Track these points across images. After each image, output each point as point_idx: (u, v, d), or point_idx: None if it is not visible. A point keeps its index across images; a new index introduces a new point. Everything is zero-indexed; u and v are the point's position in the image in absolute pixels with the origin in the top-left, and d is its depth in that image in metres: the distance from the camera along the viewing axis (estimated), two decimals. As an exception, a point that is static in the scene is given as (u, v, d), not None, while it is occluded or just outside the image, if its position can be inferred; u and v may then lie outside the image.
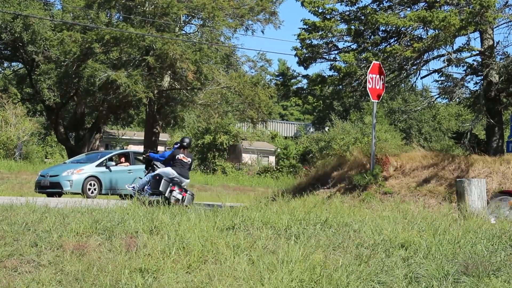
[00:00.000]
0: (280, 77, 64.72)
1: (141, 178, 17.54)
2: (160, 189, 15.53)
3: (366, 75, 18.81)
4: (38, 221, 8.39)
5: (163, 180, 15.68)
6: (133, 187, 17.10)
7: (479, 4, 18.15)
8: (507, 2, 20.54)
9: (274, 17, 37.86)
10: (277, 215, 8.64)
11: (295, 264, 6.35)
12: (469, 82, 24.09)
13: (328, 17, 21.95)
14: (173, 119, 43.33)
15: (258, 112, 36.39)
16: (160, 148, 47.09)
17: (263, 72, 38.91)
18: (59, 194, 22.54)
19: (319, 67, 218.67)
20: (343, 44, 22.71)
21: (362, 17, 21.26)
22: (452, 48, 20.85)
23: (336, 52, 22.70)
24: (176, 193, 15.29)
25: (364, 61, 20.65)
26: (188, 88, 36.20)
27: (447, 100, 24.00)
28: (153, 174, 16.28)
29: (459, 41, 36.39)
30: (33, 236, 7.68)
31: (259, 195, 20.75)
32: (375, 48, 21.47)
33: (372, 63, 18.58)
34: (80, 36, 33.36)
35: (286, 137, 60.25)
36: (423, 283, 6.05)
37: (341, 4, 21.86)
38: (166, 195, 15.63)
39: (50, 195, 22.50)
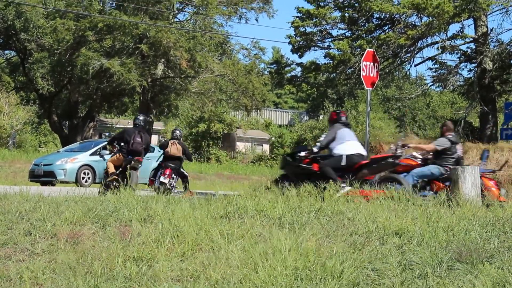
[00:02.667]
0: (274, 65, 64.62)
1: None
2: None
3: (360, 63, 18.78)
4: (32, 210, 8.38)
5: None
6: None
7: (473, -9, 18.19)
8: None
9: (268, 5, 37.87)
10: (271, 204, 8.65)
11: (289, 252, 6.36)
12: (463, 69, 24.17)
13: (322, 4, 21.97)
14: (167, 108, 43.34)
15: (252, 100, 36.44)
16: (154, 137, 47.08)
17: (257, 60, 38.94)
18: (53, 183, 22.51)
19: (313, 55, 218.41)
20: (337, 31, 22.74)
21: (356, 5, 21.27)
22: (446, 35, 20.89)
23: (330, 39, 22.73)
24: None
25: (358, 49, 20.67)
26: (182, 76, 36.19)
27: (441, 87, 24.08)
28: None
29: (453, 28, 36.51)
30: (27, 225, 7.67)
31: (253, 183, 20.73)
32: (369, 36, 21.48)
33: (366, 51, 18.55)
34: (73, 24, 33.29)
35: (280, 125, 60.27)
36: (417, 270, 6.06)
37: (335, -8, 21.88)
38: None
39: (43, 184, 22.47)
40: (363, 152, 11.58)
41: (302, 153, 11.64)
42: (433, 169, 12.02)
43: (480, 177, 11.13)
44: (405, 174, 12.04)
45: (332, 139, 11.42)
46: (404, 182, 10.99)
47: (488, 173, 12.22)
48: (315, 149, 11.63)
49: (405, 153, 12.63)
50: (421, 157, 12.51)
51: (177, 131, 17.91)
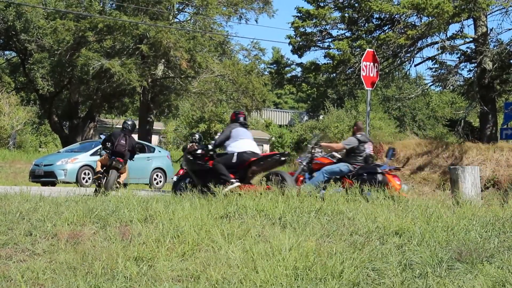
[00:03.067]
0: (274, 65, 64.60)
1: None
2: None
3: (360, 63, 18.81)
4: (33, 210, 8.39)
5: None
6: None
7: (473, -9, 18.19)
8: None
9: (268, 6, 37.85)
10: (271, 203, 8.66)
11: (289, 252, 6.37)
12: (462, 69, 24.18)
13: (322, 5, 21.99)
14: (167, 108, 43.34)
15: (252, 100, 36.43)
16: (155, 137, 47.09)
17: (257, 61, 38.93)
18: (53, 184, 22.52)
19: (313, 55, 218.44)
20: (337, 32, 22.77)
21: (356, 5, 21.29)
22: (446, 35, 20.90)
23: (330, 40, 22.75)
24: None
25: (358, 49, 20.69)
26: (182, 76, 36.18)
27: (441, 87, 24.09)
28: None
29: (453, 28, 36.48)
30: (27, 225, 7.68)
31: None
32: (369, 36, 21.51)
33: (366, 51, 18.58)
34: (73, 25, 33.27)
35: (280, 125, 60.26)
36: (417, 270, 6.07)
37: (334, -8, 21.90)
38: None
39: (44, 184, 22.48)
40: (256, 150, 12.00)
41: (199, 151, 12.09)
42: (342, 166, 12.68)
43: (384, 173, 12.14)
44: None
45: (226, 137, 11.93)
46: (288, 178, 11.34)
47: (392, 170, 12.73)
48: (210, 147, 12.18)
49: (325, 152, 13.60)
50: (339, 156, 13.20)
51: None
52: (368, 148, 13.08)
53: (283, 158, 11.97)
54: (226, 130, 12.20)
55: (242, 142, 11.81)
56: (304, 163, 13.29)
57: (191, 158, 12.25)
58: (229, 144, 11.88)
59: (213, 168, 11.70)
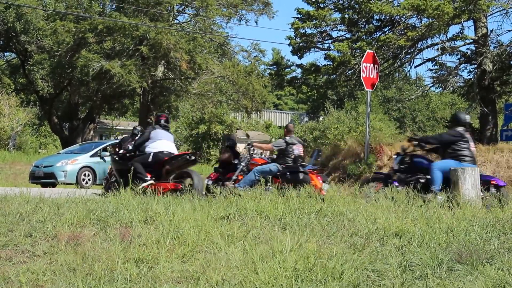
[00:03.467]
0: (274, 66, 64.62)
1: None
2: None
3: (360, 64, 18.83)
4: (33, 212, 8.39)
5: None
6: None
7: (473, -8, 18.19)
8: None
9: (268, 7, 37.88)
10: (271, 205, 8.66)
11: (289, 253, 6.36)
12: (463, 70, 24.15)
13: (322, 6, 21.98)
14: (167, 109, 43.38)
15: (252, 102, 36.46)
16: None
17: (257, 62, 38.95)
18: (53, 185, 22.52)
19: (313, 57, 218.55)
20: (337, 33, 22.76)
21: (356, 6, 21.28)
22: (446, 36, 20.89)
23: (330, 41, 22.74)
24: None
25: (358, 50, 20.69)
26: (182, 77, 36.21)
27: (441, 88, 24.08)
28: None
29: (453, 29, 36.41)
30: (27, 227, 7.68)
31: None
32: (369, 37, 21.50)
33: (366, 52, 18.59)
34: (73, 26, 33.30)
35: (280, 127, 60.26)
36: (417, 272, 6.07)
37: (335, -7, 21.88)
38: None
39: (44, 185, 22.48)
40: (172, 150, 12.78)
41: (121, 151, 13.11)
42: (272, 166, 13.59)
43: (307, 173, 13.23)
44: None
45: (145, 139, 12.89)
46: (195, 177, 12.08)
47: (315, 170, 13.76)
48: (130, 147, 13.18)
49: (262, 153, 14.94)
50: (275, 156, 14.27)
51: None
52: (297, 150, 13.95)
53: (192, 158, 12.72)
54: (146, 132, 13.16)
55: (159, 143, 12.63)
56: (243, 164, 14.22)
57: (116, 158, 13.10)
58: (148, 145, 12.74)
59: (131, 166, 12.33)
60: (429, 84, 23.78)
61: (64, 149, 31.07)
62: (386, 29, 21.60)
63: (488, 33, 21.38)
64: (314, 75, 22.84)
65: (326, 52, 22.43)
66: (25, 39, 38.11)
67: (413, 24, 20.56)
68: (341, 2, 21.96)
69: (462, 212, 8.67)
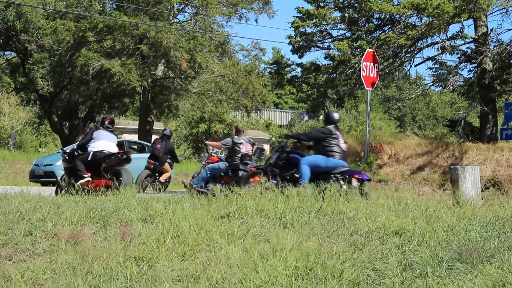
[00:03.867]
0: (274, 65, 64.64)
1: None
2: None
3: (360, 63, 18.81)
4: (33, 210, 8.39)
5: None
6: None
7: (473, -9, 18.17)
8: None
9: (268, 6, 37.85)
10: (271, 203, 8.66)
11: (289, 252, 6.36)
12: (463, 69, 24.14)
13: (322, 5, 21.97)
14: (167, 108, 43.37)
15: (252, 101, 36.44)
16: (155, 137, 47.08)
17: (257, 61, 38.92)
18: (53, 184, 22.50)
19: (313, 56, 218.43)
20: (337, 32, 22.74)
21: (356, 5, 21.27)
22: (446, 35, 20.88)
23: (330, 40, 22.73)
24: None
25: (358, 49, 20.67)
26: (182, 76, 36.19)
27: (441, 87, 24.06)
28: None
29: (453, 28, 36.49)
30: (27, 225, 7.68)
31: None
32: (369, 36, 21.49)
33: (366, 51, 18.58)
34: (73, 25, 33.27)
35: (280, 126, 60.30)
36: (417, 270, 6.07)
37: (335, -8, 21.87)
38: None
39: (44, 184, 22.47)
40: (112, 149, 13.51)
41: (68, 151, 14.05)
42: (221, 164, 14.84)
43: (249, 171, 14.14)
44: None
45: (88, 139, 13.75)
46: (124, 174, 12.95)
47: (258, 168, 14.24)
48: (75, 146, 14.27)
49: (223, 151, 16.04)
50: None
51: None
52: (244, 148, 14.97)
53: (124, 156, 13.36)
54: (89, 133, 14.10)
55: (100, 143, 13.44)
56: (203, 162, 15.50)
57: (66, 157, 13.83)
58: (90, 145, 13.58)
59: (73, 164, 13.35)
60: (429, 83, 23.75)
61: (64, 148, 31.03)
62: (386, 28, 21.59)
63: (488, 32, 21.38)
64: (314, 74, 22.82)
65: (326, 51, 22.43)
66: (25, 38, 38.09)
67: (413, 23, 20.55)
68: (341, 0, 21.96)
69: (462, 211, 8.66)
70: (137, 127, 39.49)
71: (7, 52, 46.38)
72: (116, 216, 8.14)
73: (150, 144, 28.52)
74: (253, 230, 7.40)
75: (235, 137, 15.23)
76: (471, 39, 21.28)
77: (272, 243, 6.72)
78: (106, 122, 14.04)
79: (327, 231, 7.50)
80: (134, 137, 38.40)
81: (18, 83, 47.11)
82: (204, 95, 37.36)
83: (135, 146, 25.41)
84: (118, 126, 51.43)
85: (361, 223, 7.78)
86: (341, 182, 11.27)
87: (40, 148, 50.50)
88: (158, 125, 49.66)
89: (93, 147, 13.45)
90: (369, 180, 11.88)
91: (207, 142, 16.72)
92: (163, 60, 35.07)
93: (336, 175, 11.60)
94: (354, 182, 11.55)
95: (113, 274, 6.13)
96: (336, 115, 12.56)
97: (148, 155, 25.00)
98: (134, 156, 23.58)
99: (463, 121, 22.35)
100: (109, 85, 35.00)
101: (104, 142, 13.56)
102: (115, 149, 13.67)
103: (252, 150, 15.42)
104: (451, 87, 22.94)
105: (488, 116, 21.30)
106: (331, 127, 12.20)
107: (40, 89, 39.60)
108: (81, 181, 12.72)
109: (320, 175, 11.51)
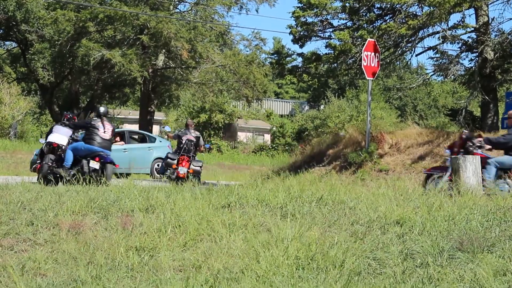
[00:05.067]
0: (275, 55, 64.51)
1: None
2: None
3: (361, 53, 18.77)
4: (34, 200, 8.40)
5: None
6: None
7: (474, -19, 18.11)
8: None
9: (269, -5, 37.76)
10: (272, 193, 8.66)
11: (290, 242, 6.37)
12: (464, 59, 24.08)
13: (323, -6, 21.88)
14: (168, 98, 43.34)
15: (253, 91, 36.42)
16: (156, 127, 47.08)
17: (257, 51, 38.86)
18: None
19: (314, 45, 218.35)
20: (338, 21, 22.73)
21: (357, -6, 21.20)
22: (447, 25, 20.81)
23: (331, 30, 22.68)
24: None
25: (359, 39, 20.63)
26: (183, 66, 36.16)
27: (442, 77, 23.99)
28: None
29: (454, 18, 36.39)
30: (29, 215, 7.69)
31: (255, 173, 20.77)
32: (370, 26, 21.43)
33: (367, 41, 18.53)
34: (74, 15, 33.22)
35: (281, 115, 60.23)
36: (418, 259, 6.07)
37: (336, -19, 21.80)
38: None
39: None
40: (61, 141, 14.90)
41: (42, 141, 15.65)
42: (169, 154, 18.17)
43: (177, 158, 17.59)
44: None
45: (49, 131, 15.44)
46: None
47: (187, 156, 17.68)
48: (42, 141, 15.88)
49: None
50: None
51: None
52: (185, 140, 17.82)
53: (51, 146, 14.78)
54: (51, 127, 15.71)
55: (52, 135, 14.98)
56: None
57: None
58: (48, 136, 15.23)
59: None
60: (430, 72, 23.71)
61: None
62: (387, 18, 21.53)
63: (490, 21, 21.31)
64: (315, 63, 22.78)
65: (327, 40, 22.37)
66: (26, 28, 38.02)
67: (414, 13, 20.49)
68: (342, -10, 21.90)
69: (463, 200, 8.67)
70: (138, 117, 39.48)
71: (7, 42, 46.31)
72: (117, 206, 8.15)
73: (151, 134, 28.59)
74: (254, 220, 7.41)
75: (182, 130, 18.37)
76: (472, 29, 21.22)
77: (273, 233, 6.73)
78: (64, 119, 15.66)
79: (328, 220, 7.50)
80: (135, 127, 38.39)
81: (19, 73, 47.06)
82: (205, 85, 37.32)
83: (136, 136, 25.40)
84: (119, 116, 51.45)
85: (362, 213, 7.79)
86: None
87: (41, 138, 50.41)
88: (159, 115, 49.64)
89: (48, 138, 15.09)
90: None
91: (169, 134, 20.65)
92: (163, 50, 35.03)
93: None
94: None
95: (114, 264, 6.14)
96: (101, 109, 14.60)
97: (151, 145, 25.12)
98: (135, 146, 23.73)
99: (464, 110, 22.32)
100: (109, 75, 34.97)
101: (55, 135, 15.12)
102: (63, 141, 15.00)
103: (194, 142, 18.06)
104: (452, 77, 22.88)
105: (489, 105, 21.27)
106: (96, 119, 14.30)
107: (41, 79, 39.56)
108: (34, 165, 15.96)
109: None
